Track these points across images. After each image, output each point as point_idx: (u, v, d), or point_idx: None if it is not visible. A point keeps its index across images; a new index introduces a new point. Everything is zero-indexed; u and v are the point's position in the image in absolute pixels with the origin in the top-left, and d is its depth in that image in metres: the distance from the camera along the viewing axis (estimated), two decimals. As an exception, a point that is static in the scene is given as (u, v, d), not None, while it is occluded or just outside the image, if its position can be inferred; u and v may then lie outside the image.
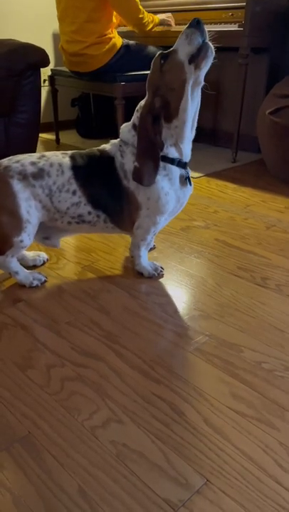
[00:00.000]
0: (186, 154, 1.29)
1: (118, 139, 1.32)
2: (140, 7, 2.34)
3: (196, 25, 1.11)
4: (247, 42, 2.32)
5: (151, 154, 1.22)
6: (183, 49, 1.14)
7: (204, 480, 0.78)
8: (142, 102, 1.25)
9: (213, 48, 1.13)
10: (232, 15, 2.39)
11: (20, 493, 0.75)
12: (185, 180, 1.30)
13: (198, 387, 0.98)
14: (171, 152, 1.26)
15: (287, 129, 2.15)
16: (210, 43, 1.13)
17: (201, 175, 2.48)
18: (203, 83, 1.19)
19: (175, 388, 0.97)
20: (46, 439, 0.85)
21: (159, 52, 1.19)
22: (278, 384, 0.99)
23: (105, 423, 0.89)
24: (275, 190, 2.24)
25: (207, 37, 1.13)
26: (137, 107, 1.26)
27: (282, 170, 2.36)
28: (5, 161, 1.27)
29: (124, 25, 2.60)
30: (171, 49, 1.17)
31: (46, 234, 1.40)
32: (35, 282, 1.36)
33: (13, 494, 0.75)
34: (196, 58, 1.13)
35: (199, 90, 1.21)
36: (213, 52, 1.14)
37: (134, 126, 1.27)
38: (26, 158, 1.26)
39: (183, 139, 1.25)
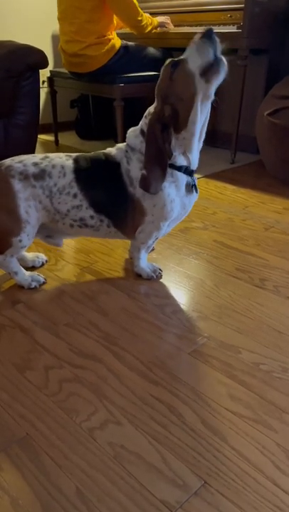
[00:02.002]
0: (194, 163, 1.28)
1: (124, 144, 1.30)
2: (139, 9, 2.35)
3: (208, 35, 1.09)
4: (246, 43, 2.33)
5: (159, 162, 1.20)
6: (194, 60, 1.12)
7: (202, 481, 0.78)
8: (151, 109, 1.23)
9: (226, 63, 1.11)
10: (230, 16, 2.40)
11: (17, 495, 0.75)
12: (191, 187, 1.30)
13: (196, 389, 0.98)
14: (180, 160, 1.25)
15: (286, 130, 2.15)
16: (223, 58, 1.11)
17: (199, 176, 2.48)
18: (213, 98, 1.18)
19: (173, 390, 0.98)
20: (44, 441, 0.85)
21: (169, 60, 1.16)
22: (276, 385, 0.99)
23: (103, 424, 0.89)
24: (274, 191, 2.25)
25: (219, 49, 1.10)
26: (146, 113, 1.24)
27: (280, 171, 2.37)
28: (8, 160, 1.27)
29: (124, 27, 2.61)
30: (182, 57, 1.14)
31: (49, 233, 1.39)
32: (34, 284, 1.36)
33: (11, 496, 0.75)
34: (207, 72, 1.11)
35: (209, 104, 1.19)
36: (226, 69, 1.11)
37: (142, 132, 1.25)
38: (29, 159, 1.27)
39: (191, 149, 1.24)
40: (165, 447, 0.84)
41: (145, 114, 1.25)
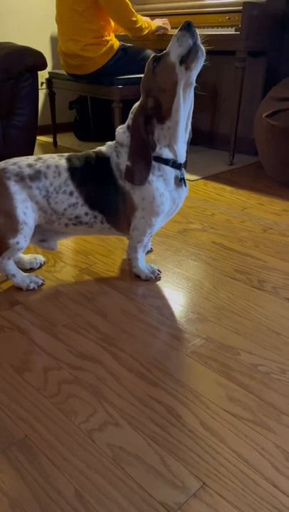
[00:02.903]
0: (181, 155, 1.30)
1: (114, 141, 1.33)
2: (132, 10, 2.35)
3: (187, 27, 1.13)
4: (244, 45, 2.34)
5: (143, 154, 1.23)
6: (174, 51, 1.16)
7: (201, 483, 0.78)
8: (136, 104, 1.27)
9: (203, 49, 1.15)
10: (229, 18, 2.41)
11: (16, 497, 0.75)
12: (180, 181, 1.31)
13: (195, 390, 0.98)
14: (166, 153, 1.27)
15: (284, 131, 2.16)
16: (200, 45, 1.15)
17: (198, 177, 2.48)
18: (194, 84, 1.21)
19: (172, 391, 0.98)
20: (43, 442, 0.85)
21: (152, 55, 1.21)
22: (275, 387, 0.99)
23: (102, 426, 0.89)
24: (272, 192, 2.25)
25: (198, 39, 1.15)
26: (132, 109, 1.28)
27: (279, 172, 2.37)
28: (2, 163, 1.27)
29: (122, 31, 2.61)
30: (164, 52, 1.19)
31: (43, 236, 1.40)
32: (32, 285, 1.36)
33: (10, 498, 0.75)
34: (186, 59, 1.15)
35: (191, 92, 1.22)
36: (204, 54, 1.16)
37: (128, 127, 1.28)
38: (23, 161, 1.27)
39: (176, 139, 1.26)
40: (164, 449, 0.84)
41: (131, 110, 1.28)
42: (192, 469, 0.80)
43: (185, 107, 1.22)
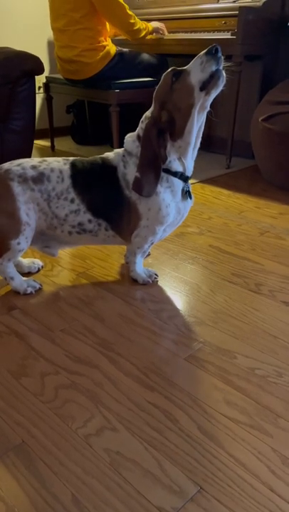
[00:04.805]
0: (189, 169, 1.30)
1: (122, 149, 1.32)
2: (130, 12, 2.36)
3: (214, 53, 1.12)
4: (240, 50, 2.35)
5: (153, 166, 1.22)
6: (196, 74, 1.15)
7: (198, 487, 0.78)
8: (148, 113, 1.25)
9: (225, 77, 1.15)
10: (225, 23, 2.42)
11: (13, 502, 0.75)
12: (185, 193, 1.31)
13: (192, 394, 0.98)
14: (175, 165, 1.27)
15: (280, 135, 2.17)
16: (223, 72, 1.14)
17: (195, 181, 2.49)
18: (208, 109, 1.22)
19: (169, 395, 0.98)
20: (40, 448, 0.85)
21: (172, 68, 1.20)
22: (271, 390, 0.99)
23: (99, 431, 0.89)
24: (269, 196, 2.26)
25: (222, 65, 1.14)
26: (142, 118, 1.27)
27: (275, 176, 2.38)
28: (6, 164, 1.28)
29: (119, 35, 2.62)
30: (185, 68, 1.17)
31: (47, 243, 1.40)
32: (30, 289, 1.36)
33: (7, 503, 0.75)
34: (207, 85, 1.15)
35: (204, 115, 1.23)
36: (224, 81, 1.15)
37: (138, 137, 1.27)
38: (27, 162, 1.28)
39: (186, 156, 1.27)
40: (161, 453, 0.84)
41: (142, 120, 1.27)
42: (189, 474, 0.80)
43: (196, 128, 1.23)
